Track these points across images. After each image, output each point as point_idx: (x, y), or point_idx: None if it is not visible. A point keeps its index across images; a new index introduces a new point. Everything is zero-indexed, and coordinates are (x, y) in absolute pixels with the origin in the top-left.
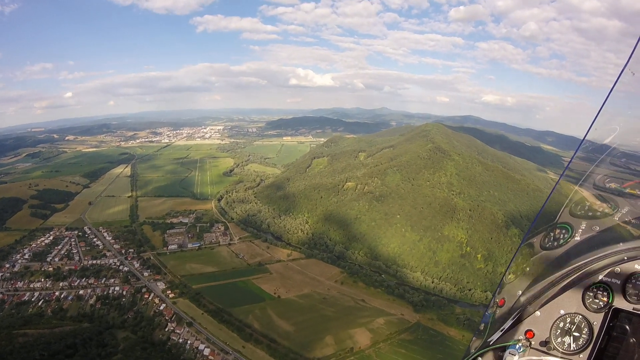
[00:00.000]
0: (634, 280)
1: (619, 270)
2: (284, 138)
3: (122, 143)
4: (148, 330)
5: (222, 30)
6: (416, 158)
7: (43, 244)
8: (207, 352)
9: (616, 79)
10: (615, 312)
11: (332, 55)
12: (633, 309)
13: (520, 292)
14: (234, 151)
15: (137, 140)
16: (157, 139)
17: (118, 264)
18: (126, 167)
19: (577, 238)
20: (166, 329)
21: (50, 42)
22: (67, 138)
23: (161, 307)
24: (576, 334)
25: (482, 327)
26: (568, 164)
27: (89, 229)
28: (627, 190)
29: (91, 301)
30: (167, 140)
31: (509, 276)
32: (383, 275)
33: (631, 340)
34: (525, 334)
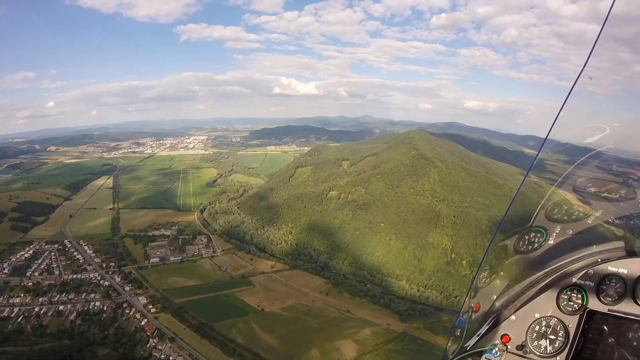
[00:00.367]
0: (607, 282)
1: (593, 272)
2: (267, 147)
3: (105, 154)
4: (129, 347)
5: (205, 39)
6: (399, 165)
7: (23, 258)
8: None
9: (573, 83)
10: (591, 314)
11: (316, 63)
12: (608, 310)
13: (495, 296)
14: (217, 161)
15: (120, 151)
16: (140, 149)
17: (99, 278)
18: (108, 178)
19: (551, 242)
20: (148, 345)
21: (32, 50)
22: (49, 149)
23: (143, 323)
24: (552, 336)
25: (458, 332)
26: (531, 165)
27: (70, 242)
28: (604, 195)
29: (71, 317)
30: (150, 151)
31: (484, 280)
32: (368, 285)
33: (609, 340)
34: (501, 338)
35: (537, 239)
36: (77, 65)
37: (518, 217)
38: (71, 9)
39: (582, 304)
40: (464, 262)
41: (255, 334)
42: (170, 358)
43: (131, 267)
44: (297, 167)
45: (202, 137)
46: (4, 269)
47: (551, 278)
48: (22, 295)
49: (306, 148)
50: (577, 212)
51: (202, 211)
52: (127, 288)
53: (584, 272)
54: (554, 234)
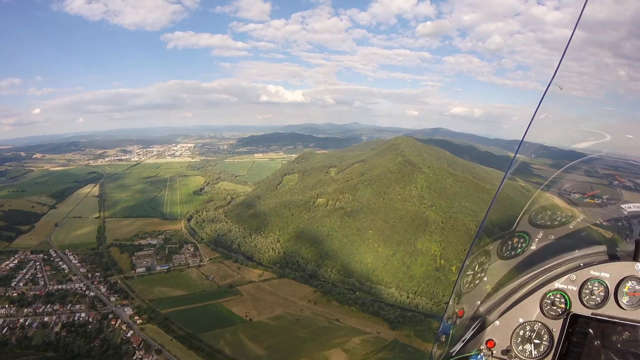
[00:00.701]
0: (590, 286)
1: (575, 277)
2: (255, 155)
3: (91, 161)
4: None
5: (192, 46)
6: (386, 172)
7: (7, 267)
8: None
9: (544, 92)
10: (574, 318)
11: (303, 71)
12: (592, 313)
13: (479, 302)
14: (204, 169)
15: (106, 159)
16: (127, 157)
17: (84, 288)
18: (94, 186)
19: (533, 247)
20: (134, 358)
21: (18, 57)
22: (34, 156)
23: (129, 334)
24: (537, 341)
25: (443, 338)
26: (509, 167)
27: (55, 251)
28: (587, 200)
29: (56, 328)
30: (137, 159)
31: (467, 286)
32: (357, 293)
33: (594, 343)
34: (486, 343)
35: (520, 244)
36: (63, 72)
37: (506, 222)
38: (58, 15)
39: (565, 308)
40: (453, 267)
41: (243, 345)
42: None
43: (117, 277)
44: (285, 175)
45: (190, 145)
46: None
47: (534, 283)
48: (7, 306)
49: (294, 155)
50: (560, 218)
51: (189, 219)
52: (112, 299)
53: (566, 276)
54: (537, 239)
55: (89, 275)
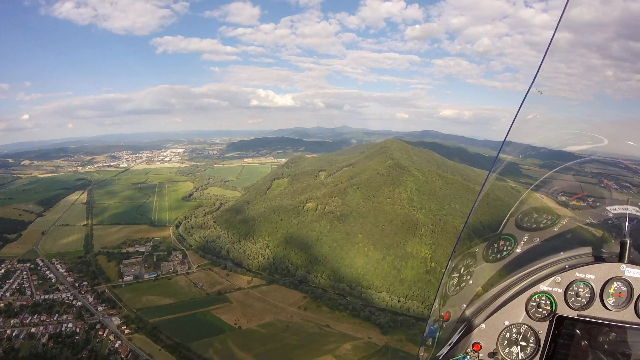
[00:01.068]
0: (575, 288)
1: (560, 279)
2: (245, 160)
3: (80, 168)
4: None
5: (182, 51)
6: (376, 175)
7: None
8: None
9: (524, 97)
10: (560, 320)
11: (292, 75)
12: (577, 315)
13: (464, 305)
14: (194, 174)
15: (95, 165)
16: (116, 163)
17: (71, 298)
18: (82, 193)
19: (519, 250)
20: None
21: (6, 62)
22: (22, 163)
23: (116, 345)
24: (523, 343)
25: (429, 341)
26: (492, 167)
27: (42, 260)
28: (572, 202)
29: (43, 339)
30: (126, 165)
31: (453, 289)
32: (348, 298)
33: (581, 344)
34: (472, 346)
35: (505, 247)
36: (52, 77)
37: (496, 223)
38: (46, 19)
39: (551, 310)
40: (443, 270)
41: (232, 354)
42: None
43: (104, 286)
44: (274, 179)
45: (179, 150)
46: None
47: (520, 286)
48: None
49: (283, 160)
50: (545, 220)
51: (177, 226)
52: (100, 308)
53: (551, 279)
54: (522, 242)
55: (76, 285)
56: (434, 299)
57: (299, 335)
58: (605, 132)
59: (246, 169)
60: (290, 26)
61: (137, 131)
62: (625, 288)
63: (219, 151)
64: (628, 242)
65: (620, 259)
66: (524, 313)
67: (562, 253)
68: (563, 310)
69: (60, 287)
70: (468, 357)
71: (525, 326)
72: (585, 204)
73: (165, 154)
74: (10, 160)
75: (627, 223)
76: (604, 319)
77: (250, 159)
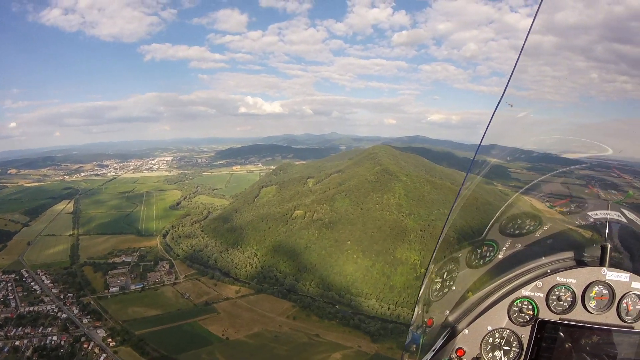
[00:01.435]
0: (557, 292)
1: (542, 284)
2: (233, 167)
3: (67, 177)
4: None
5: (170, 58)
6: (364, 181)
7: None
8: None
9: (494, 109)
10: (542, 324)
11: (281, 82)
12: (560, 319)
13: (447, 311)
14: (181, 183)
15: (82, 174)
16: (103, 171)
17: (56, 310)
18: (69, 202)
19: (500, 256)
20: None
21: None
22: (9, 171)
23: (102, 358)
24: (506, 347)
25: (413, 347)
26: (469, 168)
27: (27, 271)
28: (556, 208)
29: (28, 353)
30: (114, 173)
31: (436, 294)
32: (337, 306)
33: (564, 347)
34: (456, 352)
35: (488, 253)
36: (40, 85)
37: (485, 228)
38: (34, 26)
39: (533, 315)
40: (430, 279)
41: None
42: None
43: (90, 298)
44: (262, 187)
45: (167, 159)
46: None
47: (502, 291)
48: None
49: (272, 167)
50: (528, 226)
51: (164, 235)
52: (85, 320)
53: (533, 284)
54: (504, 248)
55: (62, 296)
56: (415, 305)
57: (288, 345)
58: (591, 133)
59: (235, 177)
60: (278, 33)
61: (126, 139)
62: (607, 291)
63: (208, 159)
64: (609, 246)
65: (601, 262)
66: (507, 318)
67: (543, 258)
68: (545, 315)
69: (45, 299)
70: None
71: (508, 331)
72: (567, 209)
73: (153, 162)
74: None
75: (607, 227)
76: (586, 322)
77: (239, 167)
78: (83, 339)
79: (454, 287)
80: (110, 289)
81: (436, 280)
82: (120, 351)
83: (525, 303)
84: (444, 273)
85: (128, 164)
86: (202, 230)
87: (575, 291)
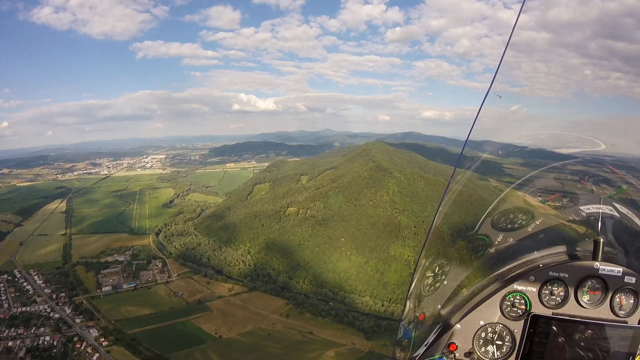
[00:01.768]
0: (549, 287)
1: (534, 278)
2: (227, 165)
3: (59, 176)
4: None
5: (162, 56)
6: (357, 178)
7: None
8: None
9: (482, 101)
10: (535, 318)
11: (274, 79)
12: (552, 313)
13: (439, 305)
14: (175, 181)
15: (75, 173)
16: (96, 170)
17: (49, 310)
18: (61, 202)
19: (492, 250)
20: None
21: None
22: (1, 171)
23: (94, 358)
24: (499, 342)
25: (405, 342)
26: (457, 164)
27: (19, 272)
28: (548, 203)
29: (21, 354)
30: (107, 172)
31: (428, 289)
32: (331, 303)
33: (557, 341)
34: (448, 346)
35: (480, 247)
36: (31, 84)
37: (470, 225)
38: (24, 25)
39: (525, 309)
40: (427, 272)
41: None
42: None
43: (82, 297)
44: (255, 184)
45: (161, 156)
46: None
47: (494, 285)
48: None
49: (266, 164)
50: (520, 220)
51: (157, 234)
52: (78, 320)
53: (525, 278)
54: (497, 242)
55: (54, 296)
56: (406, 299)
57: (282, 343)
58: (585, 129)
59: (228, 174)
60: (271, 30)
61: (119, 138)
62: (600, 285)
63: (201, 156)
64: (601, 240)
65: (594, 257)
66: (499, 312)
67: (535, 252)
68: (538, 309)
69: (38, 299)
70: (444, 357)
71: (501, 325)
72: (560, 204)
73: (146, 160)
74: None
75: (599, 222)
76: (579, 317)
77: (233, 164)
78: (76, 338)
79: (445, 282)
80: (103, 288)
81: (428, 275)
82: (113, 351)
83: (518, 297)
84: (435, 267)
85: (121, 162)
86: (195, 228)
87: (568, 286)
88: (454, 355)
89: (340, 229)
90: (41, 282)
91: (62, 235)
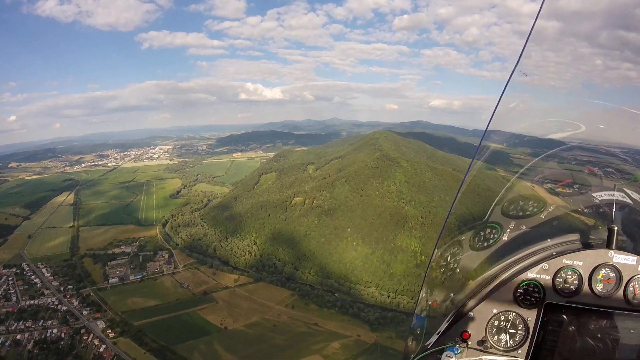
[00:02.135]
0: (563, 275)
1: (548, 266)
2: (234, 154)
3: (67, 168)
4: None
5: (167, 46)
6: (364, 167)
7: None
8: None
9: (508, 79)
10: (548, 307)
11: (281, 68)
12: (566, 302)
13: (452, 294)
14: (182, 171)
15: (83, 165)
16: (104, 162)
17: (57, 302)
18: (69, 194)
19: (505, 238)
20: None
21: None
22: (10, 165)
23: (101, 349)
24: (512, 330)
25: (417, 330)
26: (474, 155)
27: (28, 265)
28: (558, 190)
29: (29, 346)
30: (114, 163)
31: (440, 277)
32: (336, 294)
33: (569, 330)
34: (461, 335)
35: (492, 235)
36: (37, 77)
37: (485, 214)
38: (29, 18)
39: (539, 298)
40: (434, 263)
41: (218, 356)
42: None
43: (89, 289)
44: (262, 174)
45: (168, 147)
46: None
47: (507, 273)
48: None
49: (273, 153)
50: (531, 207)
51: (164, 225)
52: (85, 312)
53: (539, 266)
54: (509, 230)
55: (61, 289)
56: (421, 288)
57: (286, 335)
58: (594, 120)
59: (235, 164)
60: (277, 18)
61: (126, 129)
62: (614, 274)
63: (208, 146)
64: (616, 228)
65: (608, 245)
66: (513, 301)
67: (549, 240)
68: (551, 297)
69: (46, 292)
70: (457, 345)
71: (514, 314)
72: (571, 190)
73: (153, 151)
74: None
75: (614, 209)
76: (593, 305)
77: (240, 154)
78: (83, 330)
79: (458, 270)
80: (110, 280)
81: (440, 264)
82: (119, 342)
83: (532, 285)
84: (447, 256)
85: (128, 153)
86: (201, 219)
87: (582, 274)
88: (467, 344)
89: (347, 219)
90: (49, 274)
91: (69, 227)
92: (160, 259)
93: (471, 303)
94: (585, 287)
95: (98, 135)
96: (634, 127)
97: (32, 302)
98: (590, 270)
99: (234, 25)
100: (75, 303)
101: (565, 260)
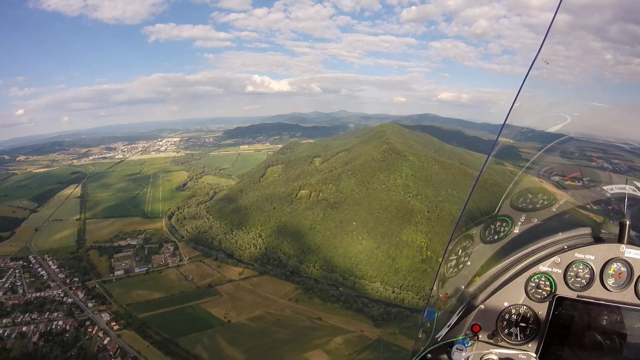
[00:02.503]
0: (575, 269)
1: (559, 260)
2: (241, 147)
3: (75, 161)
4: None
5: (174, 39)
6: (370, 161)
7: None
8: None
9: (529, 68)
10: (560, 300)
11: (288, 60)
12: (577, 296)
13: (463, 286)
14: (188, 163)
15: (90, 158)
16: (111, 154)
17: (62, 295)
18: (76, 187)
19: (516, 231)
20: None
21: None
22: (18, 158)
23: (105, 341)
24: (523, 324)
25: (427, 324)
26: (490, 151)
27: (34, 257)
28: (567, 183)
29: (34, 338)
30: (121, 156)
31: (451, 271)
32: (340, 289)
33: (582, 324)
34: (471, 328)
35: (502, 228)
36: (45, 71)
37: (494, 209)
38: (35, 12)
39: (550, 291)
40: (440, 259)
41: (220, 349)
42: None
43: (95, 282)
44: (268, 167)
45: (175, 139)
46: None
47: (518, 267)
48: None
49: (280, 146)
50: (541, 200)
51: (170, 217)
52: (90, 304)
53: (551, 259)
54: (520, 223)
55: (67, 281)
56: (433, 282)
57: (290, 329)
58: (603, 115)
59: (242, 156)
60: (284, 10)
61: (133, 122)
62: (625, 269)
63: (215, 139)
64: (627, 222)
65: (619, 239)
66: (524, 294)
67: (560, 234)
68: (563, 291)
69: (52, 284)
70: (467, 338)
71: (525, 307)
72: (581, 184)
73: (161, 143)
74: (6, 157)
75: (626, 203)
76: (604, 300)
77: (247, 146)
78: (88, 323)
79: (469, 263)
80: (115, 273)
81: (451, 257)
82: (123, 335)
83: (543, 279)
84: (458, 250)
85: (136, 146)
86: (207, 212)
87: (594, 268)
88: (477, 337)
89: (352, 212)
90: (55, 267)
91: (76, 220)
92: (166, 251)
93: (482, 296)
94: (597, 281)
95: (106, 128)
96: None
97: (38, 294)
98: (602, 264)
99: (241, 17)
100: (81, 295)
101: (577, 254)
